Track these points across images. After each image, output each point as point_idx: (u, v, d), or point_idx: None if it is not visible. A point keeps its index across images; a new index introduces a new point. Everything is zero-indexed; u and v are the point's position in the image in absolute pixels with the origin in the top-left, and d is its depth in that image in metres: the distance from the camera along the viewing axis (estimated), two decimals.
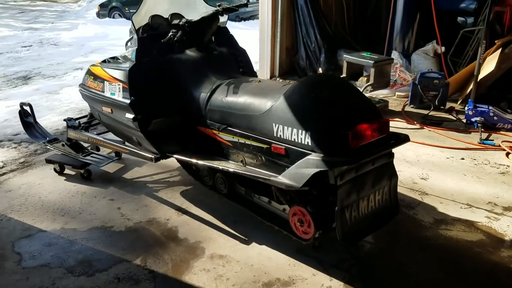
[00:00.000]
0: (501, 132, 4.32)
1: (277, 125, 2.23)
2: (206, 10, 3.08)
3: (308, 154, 2.09)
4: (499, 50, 4.73)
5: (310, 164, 2.04)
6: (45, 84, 6.75)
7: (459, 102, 5.09)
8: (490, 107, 4.43)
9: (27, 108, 3.66)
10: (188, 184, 3.31)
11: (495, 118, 4.37)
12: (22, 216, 2.95)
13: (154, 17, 2.94)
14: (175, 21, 2.82)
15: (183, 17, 3.05)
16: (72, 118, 3.52)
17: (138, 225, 2.83)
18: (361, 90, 4.63)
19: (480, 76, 4.61)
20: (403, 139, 2.22)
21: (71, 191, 3.25)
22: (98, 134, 3.48)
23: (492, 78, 4.83)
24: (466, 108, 4.55)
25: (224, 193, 2.85)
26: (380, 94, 5.35)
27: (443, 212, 2.92)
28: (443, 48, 5.67)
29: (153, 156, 2.84)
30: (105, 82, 2.93)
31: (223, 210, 2.94)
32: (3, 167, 3.76)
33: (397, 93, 5.50)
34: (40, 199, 3.16)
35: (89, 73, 3.14)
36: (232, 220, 2.84)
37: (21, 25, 13.91)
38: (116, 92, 2.85)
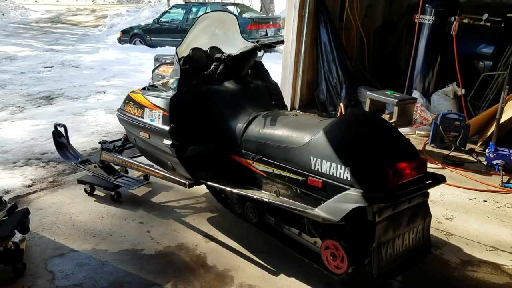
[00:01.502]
0: None
1: (315, 158, 2.30)
2: (244, 45, 3.21)
3: (346, 189, 2.15)
4: None
5: (349, 199, 2.10)
6: (69, 106, 6.92)
7: (479, 144, 5.14)
8: (511, 151, 4.48)
9: (61, 129, 3.77)
10: (214, 211, 3.37)
11: None
12: (53, 234, 3.01)
13: (195, 50, 3.07)
14: (217, 55, 2.94)
15: (222, 51, 3.18)
16: (107, 141, 3.62)
17: (167, 249, 2.88)
18: None
19: (502, 120, 4.69)
20: (440, 179, 2.28)
21: (101, 212, 3.32)
22: (131, 158, 3.57)
23: None
24: (487, 150, 4.60)
25: (253, 222, 2.90)
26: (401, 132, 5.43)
27: (469, 253, 2.94)
28: (463, 91, 5.76)
29: (187, 182, 2.91)
30: (146, 109, 3.04)
31: (251, 239, 2.99)
32: (32, 185, 3.85)
33: (417, 132, 5.57)
34: (71, 219, 3.22)
35: (129, 99, 3.25)
36: (260, 250, 2.89)
37: (42, 46, 14.29)
38: (156, 119, 2.95)
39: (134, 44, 13.97)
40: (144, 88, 3.24)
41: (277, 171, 2.56)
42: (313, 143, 2.33)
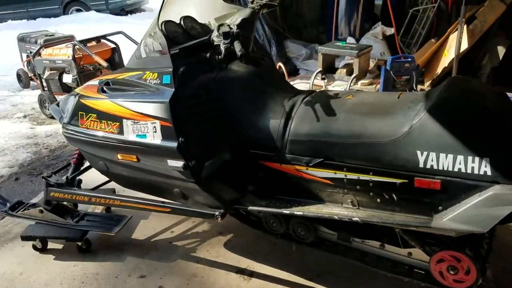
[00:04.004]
0: None
1: (425, 152, 1.70)
2: (227, 9, 2.39)
3: (484, 187, 1.62)
4: (465, 26, 4.69)
5: (502, 201, 1.56)
6: None
7: (428, 84, 4.99)
8: None
9: None
10: (226, 232, 2.61)
11: None
12: None
13: (167, 24, 2.16)
14: (223, 29, 2.03)
15: (196, 21, 2.32)
16: (52, 173, 2.51)
17: None
18: (348, 84, 4.26)
19: (452, 55, 4.55)
20: None
21: (76, 276, 2.32)
22: (92, 190, 2.55)
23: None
24: None
25: (306, 242, 2.23)
26: (339, 84, 4.96)
27: None
28: (392, 30, 5.53)
29: (216, 213, 2.10)
30: (125, 120, 2.08)
31: (302, 262, 2.33)
32: None
33: (360, 82, 5.24)
34: None
35: (83, 108, 2.24)
36: (319, 272, 2.26)
37: None
38: (148, 134, 2.03)
39: None
40: (103, 90, 2.25)
41: (353, 176, 1.91)
42: (418, 132, 1.71)
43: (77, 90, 2.51)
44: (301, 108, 2.04)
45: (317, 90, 2.26)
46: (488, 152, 1.61)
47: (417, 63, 4.83)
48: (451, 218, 1.67)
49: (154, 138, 2.03)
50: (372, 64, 5.29)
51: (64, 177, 2.48)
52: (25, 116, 5.04)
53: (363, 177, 1.88)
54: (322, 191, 2.02)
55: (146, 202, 2.29)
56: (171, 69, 2.00)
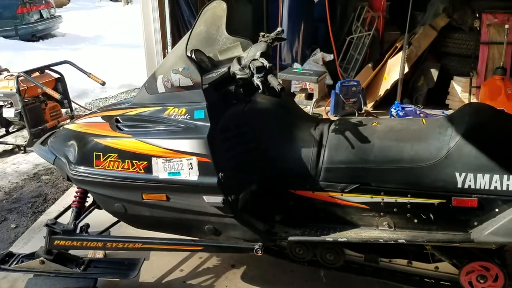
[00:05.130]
0: None
1: (463, 174, 1.86)
2: (231, 42, 2.42)
3: None
4: (400, 53, 5.13)
5: None
6: None
7: (370, 106, 5.34)
8: (413, 106, 4.79)
9: None
10: (238, 264, 2.56)
11: (421, 115, 4.73)
12: None
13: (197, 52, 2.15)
14: (256, 63, 2.02)
15: (204, 53, 2.32)
16: (55, 220, 2.27)
17: None
18: (311, 108, 4.42)
19: (393, 79, 4.96)
20: None
21: None
22: (100, 234, 2.35)
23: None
24: (393, 109, 4.79)
25: (334, 267, 2.27)
26: None
27: None
28: (331, 56, 5.86)
29: (256, 246, 2.06)
30: (154, 159, 1.98)
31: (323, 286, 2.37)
32: None
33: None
34: None
35: (100, 149, 2.09)
36: None
37: None
38: (183, 171, 1.95)
39: None
40: (119, 127, 2.12)
41: (390, 199, 2.00)
42: (455, 155, 1.87)
43: (74, 127, 2.34)
44: (331, 136, 2.11)
45: (336, 118, 2.34)
46: None
47: (362, 87, 5.18)
48: (492, 232, 1.83)
49: (190, 175, 1.96)
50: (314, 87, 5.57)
51: (68, 223, 2.26)
52: None
53: (401, 199, 1.98)
54: (357, 215, 2.09)
55: (173, 242, 2.18)
56: (204, 104, 1.96)
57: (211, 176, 1.93)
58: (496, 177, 1.82)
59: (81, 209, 2.35)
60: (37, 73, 4.45)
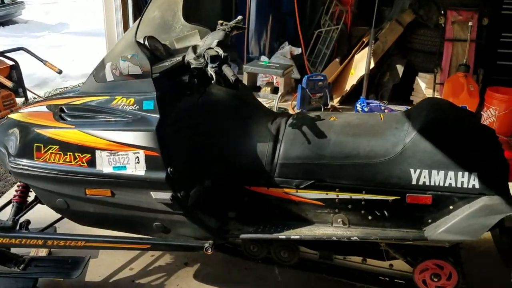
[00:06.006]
0: None
1: (418, 170, 1.82)
2: (188, 30, 2.31)
3: (472, 199, 1.78)
4: (367, 48, 5.11)
5: (491, 210, 1.74)
6: None
7: (337, 101, 5.31)
8: (378, 101, 4.79)
9: None
10: (191, 262, 2.46)
11: (386, 110, 4.73)
12: None
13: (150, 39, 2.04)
14: (210, 52, 1.92)
15: (159, 41, 2.21)
16: None
17: None
18: (277, 102, 4.35)
19: (360, 74, 4.94)
20: None
21: None
22: (42, 231, 2.22)
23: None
24: (358, 105, 4.77)
25: (289, 264, 2.20)
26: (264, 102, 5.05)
27: None
28: (299, 50, 5.80)
29: (206, 244, 1.97)
30: (98, 152, 1.86)
31: (275, 283, 2.31)
32: None
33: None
34: None
35: (40, 139, 1.95)
36: None
37: None
38: (129, 165, 1.84)
39: None
40: (61, 117, 1.99)
41: (345, 196, 1.95)
42: (410, 151, 1.83)
43: (17, 116, 2.19)
44: (288, 131, 2.03)
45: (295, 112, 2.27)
46: (476, 167, 1.77)
47: (329, 81, 5.14)
48: (445, 230, 1.80)
49: (136, 169, 1.85)
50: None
51: (8, 220, 2.12)
52: None
53: (356, 196, 1.93)
54: (311, 212, 2.03)
55: (118, 240, 2.06)
56: (154, 94, 1.86)
57: (159, 171, 1.83)
58: (451, 173, 1.79)
59: (22, 204, 2.20)
60: None
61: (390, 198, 1.89)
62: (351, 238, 1.91)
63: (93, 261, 2.45)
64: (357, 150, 1.91)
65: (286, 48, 5.86)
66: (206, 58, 1.91)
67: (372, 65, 4.85)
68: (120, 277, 2.37)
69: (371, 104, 4.72)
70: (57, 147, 1.93)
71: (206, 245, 1.97)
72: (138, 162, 1.84)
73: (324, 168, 1.94)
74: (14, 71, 4.47)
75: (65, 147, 1.92)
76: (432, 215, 1.86)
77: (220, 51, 1.90)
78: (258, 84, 4.85)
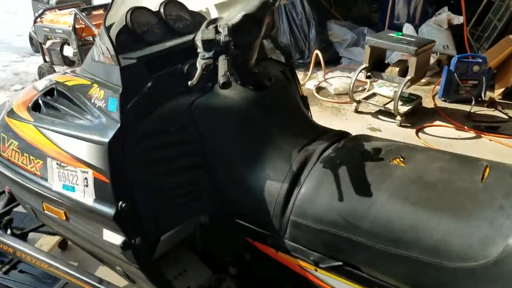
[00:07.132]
0: None
1: None
2: None
3: None
4: None
5: None
6: None
7: (499, 93, 4.02)
8: None
9: None
10: None
11: None
12: None
13: (136, 14, 1.41)
14: (208, 32, 1.26)
15: (185, 8, 1.56)
16: None
17: None
18: (400, 89, 3.38)
19: None
20: None
21: None
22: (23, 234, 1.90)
23: None
24: None
25: None
26: (387, 85, 3.95)
27: None
28: (461, 19, 4.53)
29: None
30: (49, 160, 1.38)
31: None
32: None
33: None
34: None
35: (6, 130, 1.54)
36: None
37: None
38: (78, 187, 1.32)
39: None
40: (33, 106, 1.53)
41: None
42: None
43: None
44: (316, 169, 1.26)
45: (359, 134, 1.44)
46: None
47: (489, 65, 3.89)
48: None
49: (85, 195, 1.31)
50: (432, 60, 4.34)
51: None
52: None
53: None
54: None
55: (79, 277, 1.58)
56: (119, 90, 1.26)
57: (108, 203, 1.26)
58: None
59: (11, 199, 1.88)
60: (100, 11, 4.08)
61: None
62: None
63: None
64: (418, 233, 1.06)
65: (444, 14, 4.66)
66: (196, 44, 1.24)
67: None
68: None
69: None
70: (17, 143, 1.50)
71: None
72: (87, 186, 1.30)
73: (360, 248, 1.14)
74: None
75: (22, 145, 1.47)
76: None
77: (223, 31, 1.19)
78: (386, 61, 3.87)
